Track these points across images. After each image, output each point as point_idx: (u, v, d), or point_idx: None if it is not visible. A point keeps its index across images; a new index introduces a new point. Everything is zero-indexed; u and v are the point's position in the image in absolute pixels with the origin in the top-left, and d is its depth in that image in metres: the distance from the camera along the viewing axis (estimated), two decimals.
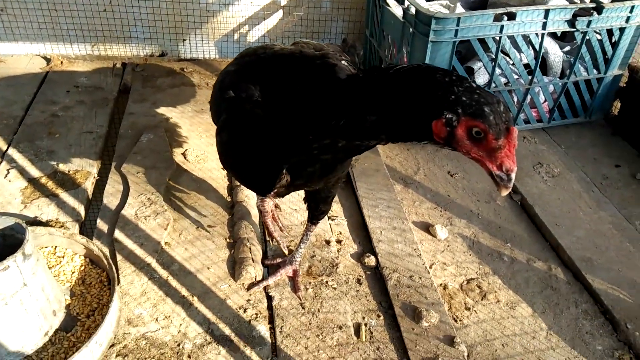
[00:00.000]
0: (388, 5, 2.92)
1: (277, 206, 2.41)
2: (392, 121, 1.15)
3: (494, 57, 2.68)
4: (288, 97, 1.37)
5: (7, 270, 1.51)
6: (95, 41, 3.37)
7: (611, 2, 2.78)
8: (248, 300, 1.99)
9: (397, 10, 2.84)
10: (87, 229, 2.28)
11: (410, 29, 2.63)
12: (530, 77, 2.83)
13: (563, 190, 2.72)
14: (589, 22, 2.69)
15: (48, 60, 3.30)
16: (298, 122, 1.34)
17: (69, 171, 2.48)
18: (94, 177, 2.50)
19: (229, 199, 2.46)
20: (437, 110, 1.08)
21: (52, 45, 3.34)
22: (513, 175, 1.12)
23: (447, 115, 1.07)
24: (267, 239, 2.29)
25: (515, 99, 2.94)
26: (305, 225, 2.10)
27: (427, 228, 2.45)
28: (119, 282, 1.94)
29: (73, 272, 1.95)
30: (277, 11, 3.43)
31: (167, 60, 3.51)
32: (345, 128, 1.22)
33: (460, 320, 2.03)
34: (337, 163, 1.53)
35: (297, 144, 1.39)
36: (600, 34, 2.84)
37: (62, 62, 3.30)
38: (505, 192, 1.14)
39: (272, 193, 1.62)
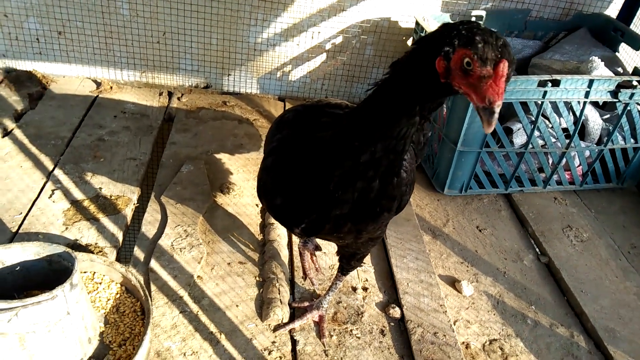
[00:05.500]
0: None
1: (317, 248, 2.47)
2: (409, 75, 1.26)
3: (534, 119, 2.72)
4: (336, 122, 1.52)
5: (55, 299, 1.59)
6: (144, 69, 3.51)
7: None
8: (273, 342, 2.03)
9: None
10: (123, 255, 2.36)
11: None
12: (567, 141, 2.86)
13: (591, 256, 2.71)
14: (632, 95, 2.73)
15: (98, 84, 3.45)
16: (345, 134, 1.42)
17: (110, 196, 2.58)
18: (134, 204, 2.59)
19: (260, 237, 2.52)
20: (439, 48, 1.18)
21: (102, 70, 3.49)
22: (497, 109, 1.13)
23: (445, 49, 1.17)
24: (299, 278, 2.34)
25: (550, 161, 2.97)
26: (334, 271, 2.15)
27: (453, 283, 2.47)
28: (151, 313, 2.00)
29: (108, 300, 2.03)
30: (321, 54, 3.54)
31: (211, 92, 3.64)
32: (387, 105, 1.33)
33: None
34: (374, 194, 1.52)
35: (341, 157, 1.43)
36: None
37: (111, 87, 3.44)
38: (488, 129, 1.15)
39: (299, 229, 1.65)
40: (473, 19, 3.28)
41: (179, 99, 3.50)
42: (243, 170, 2.93)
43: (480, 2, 3.43)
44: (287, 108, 2.03)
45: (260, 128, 3.30)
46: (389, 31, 3.46)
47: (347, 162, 1.42)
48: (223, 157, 3.01)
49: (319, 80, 3.66)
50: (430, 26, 2.98)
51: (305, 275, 2.36)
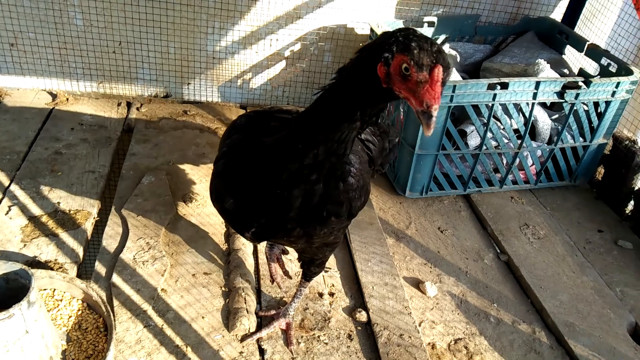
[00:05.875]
0: None
1: (284, 252, 2.48)
2: (354, 81, 1.30)
3: (486, 121, 2.81)
4: (284, 125, 1.57)
5: (12, 317, 1.55)
6: (101, 79, 3.45)
7: (599, 77, 2.95)
8: (241, 353, 2.03)
9: None
10: (84, 270, 2.31)
11: None
12: (519, 142, 2.96)
13: (548, 252, 2.81)
14: (577, 95, 2.85)
15: (54, 96, 3.37)
16: (291, 137, 1.47)
17: (69, 211, 2.52)
18: (94, 218, 2.54)
19: (225, 246, 2.51)
20: (379, 55, 1.23)
21: (58, 81, 3.41)
22: (434, 112, 1.18)
23: (385, 55, 1.21)
24: (266, 287, 2.34)
25: (504, 161, 3.07)
26: (299, 277, 2.17)
27: (417, 284, 2.52)
28: (115, 329, 1.96)
29: (70, 317, 1.98)
30: (281, 61, 3.55)
31: (171, 101, 3.60)
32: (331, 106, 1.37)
33: None
34: (318, 198, 1.55)
35: (286, 159, 1.46)
36: (587, 105, 3.00)
37: (67, 99, 3.37)
38: (428, 132, 1.19)
39: (250, 233, 1.67)
40: (425, 25, 3.36)
41: (138, 109, 3.45)
42: (206, 180, 2.91)
43: (432, 8, 3.52)
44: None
45: None
46: (346, 38, 3.51)
47: (292, 165, 1.46)
48: (185, 167, 2.98)
49: (279, 88, 3.67)
50: None
51: (272, 280, 2.36)
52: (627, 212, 3.15)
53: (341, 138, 1.39)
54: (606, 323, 2.43)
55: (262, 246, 2.51)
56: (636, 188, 3.11)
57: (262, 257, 2.47)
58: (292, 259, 2.50)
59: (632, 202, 3.13)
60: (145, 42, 3.35)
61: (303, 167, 1.45)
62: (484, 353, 2.22)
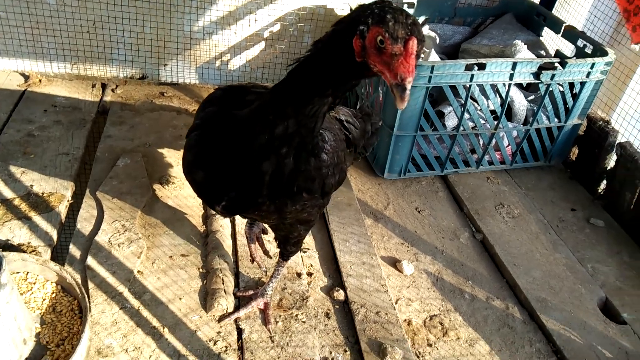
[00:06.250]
0: None
1: (264, 231, 2.48)
2: (329, 53, 1.30)
3: (463, 102, 2.82)
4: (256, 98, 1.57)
5: None
6: (75, 60, 3.38)
7: (574, 58, 2.97)
8: (218, 333, 2.04)
9: None
10: (59, 253, 2.29)
11: None
12: (496, 123, 2.99)
13: (522, 231, 2.86)
14: (553, 76, 2.88)
15: (26, 78, 3.30)
16: (262, 108, 1.47)
17: (42, 193, 2.49)
18: (68, 201, 2.51)
19: (203, 228, 2.50)
20: (355, 27, 1.23)
21: (31, 63, 3.34)
22: (408, 85, 1.18)
23: (360, 27, 1.21)
24: (244, 268, 2.34)
25: (481, 142, 3.10)
26: (277, 258, 2.18)
27: (395, 263, 2.54)
28: (90, 311, 1.96)
29: (44, 300, 1.97)
30: (260, 42, 3.52)
31: (147, 83, 3.55)
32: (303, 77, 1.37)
33: (422, 357, 2.12)
34: (289, 172, 1.55)
35: (257, 131, 1.46)
36: (562, 86, 3.03)
37: (40, 80, 3.30)
38: (401, 105, 1.19)
39: (220, 207, 1.67)
40: (405, 6, 3.35)
41: (113, 90, 3.40)
42: None
43: None
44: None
45: None
46: (326, 19, 3.48)
47: (262, 137, 1.45)
48: (162, 149, 2.96)
49: (258, 69, 3.64)
50: None
51: (252, 260, 2.37)
52: (599, 191, 3.21)
53: (312, 111, 1.39)
54: (577, 298, 2.49)
55: (242, 227, 2.51)
56: (609, 168, 3.17)
57: (241, 239, 2.47)
58: (271, 240, 2.50)
59: (604, 182, 3.19)
60: (121, 22, 3.28)
61: (273, 139, 1.45)
62: (458, 328, 2.27)
